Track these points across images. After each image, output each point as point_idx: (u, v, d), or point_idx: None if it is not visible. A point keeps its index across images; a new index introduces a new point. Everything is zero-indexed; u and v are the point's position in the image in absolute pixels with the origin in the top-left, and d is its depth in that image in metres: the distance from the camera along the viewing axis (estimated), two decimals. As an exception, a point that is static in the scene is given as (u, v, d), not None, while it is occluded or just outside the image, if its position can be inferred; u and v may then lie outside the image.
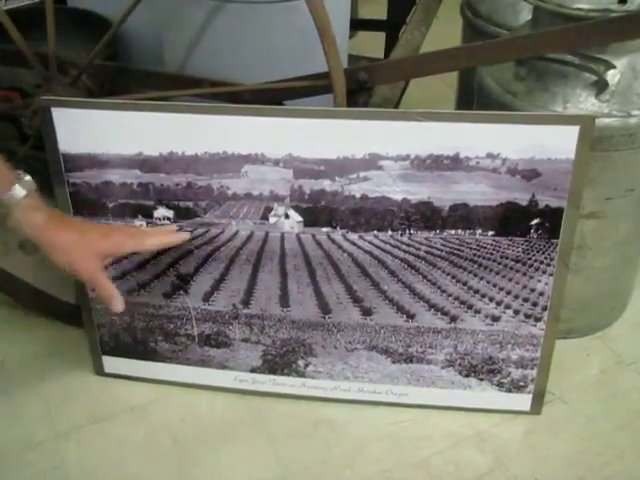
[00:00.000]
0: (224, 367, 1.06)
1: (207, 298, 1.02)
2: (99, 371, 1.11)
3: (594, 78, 0.95)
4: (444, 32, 1.45)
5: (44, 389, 1.09)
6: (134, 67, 1.17)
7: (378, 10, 1.70)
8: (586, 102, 0.96)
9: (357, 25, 1.78)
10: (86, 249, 0.88)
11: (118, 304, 0.91)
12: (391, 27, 1.61)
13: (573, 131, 0.86)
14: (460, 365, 1.01)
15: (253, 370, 1.06)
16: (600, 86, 0.95)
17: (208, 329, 1.04)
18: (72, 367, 1.12)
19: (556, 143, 0.87)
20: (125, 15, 1.04)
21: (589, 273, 1.08)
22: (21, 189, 0.85)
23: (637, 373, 1.11)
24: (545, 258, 0.94)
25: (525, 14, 1.11)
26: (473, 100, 1.13)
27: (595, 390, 1.08)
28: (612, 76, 0.94)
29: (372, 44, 1.68)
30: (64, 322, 1.17)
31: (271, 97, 1.04)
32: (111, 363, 1.10)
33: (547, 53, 0.95)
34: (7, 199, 0.84)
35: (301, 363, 1.04)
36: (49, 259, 0.87)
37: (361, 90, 1.04)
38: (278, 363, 1.05)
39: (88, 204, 0.98)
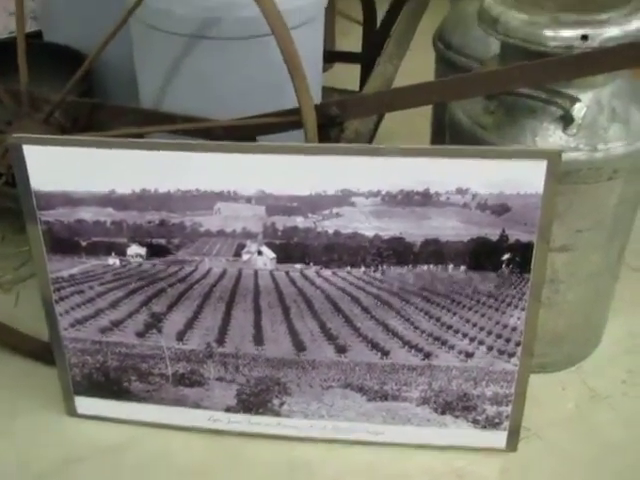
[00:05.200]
0: (199, 406, 1.05)
1: (181, 337, 1.01)
2: (71, 412, 1.09)
3: (561, 112, 0.96)
4: (418, 64, 1.47)
5: (15, 431, 1.07)
6: (107, 103, 1.17)
7: (355, 42, 1.72)
8: (554, 135, 0.97)
9: (333, 57, 1.80)
10: None
11: None
12: (366, 59, 1.63)
13: (541, 165, 0.86)
14: (435, 402, 1.00)
15: (228, 409, 1.04)
16: (567, 120, 0.96)
17: (182, 368, 1.03)
18: (44, 407, 1.10)
19: (524, 177, 0.87)
20: (98, 50, 1.04)
21: (562, 307, 1.08)
22: None
23: (612, 407, 1.10)
24: (517, 293, 0.93)
25: (495, 47, 1.12)
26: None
27: (571, 425, 1.07)
28: (578, 110, 0.95)
29: (349, 75, 1.70)
30: (36, 360, 1.15)
31: (244, 133, 1.04)
32: (84, 403, 1.08)
33: (514, 88, 0.95)
34: None
35: (276, 402, 1.03)
36: None
37: (333, 125, 1.04)
38: (253, 402, 1.03)
39: (61, 242, 0.97)
